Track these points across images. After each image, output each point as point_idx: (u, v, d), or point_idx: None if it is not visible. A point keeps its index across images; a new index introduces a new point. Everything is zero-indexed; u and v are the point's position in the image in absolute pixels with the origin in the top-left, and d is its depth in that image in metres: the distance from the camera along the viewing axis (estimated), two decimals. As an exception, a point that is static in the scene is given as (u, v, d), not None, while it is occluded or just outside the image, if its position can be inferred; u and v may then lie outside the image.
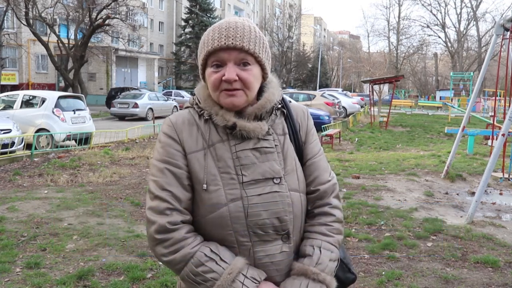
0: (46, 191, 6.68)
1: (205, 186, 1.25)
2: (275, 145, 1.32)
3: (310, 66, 60.37)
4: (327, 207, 1.36)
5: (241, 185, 1.25)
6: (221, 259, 1.21)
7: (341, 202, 1.47)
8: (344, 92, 37.94)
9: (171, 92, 31.08)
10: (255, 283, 1.21)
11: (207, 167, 1.26)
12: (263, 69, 1.31)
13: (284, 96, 1.44)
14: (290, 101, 1.48)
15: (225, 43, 1.24)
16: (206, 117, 1.31)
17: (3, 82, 24.22)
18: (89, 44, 23.37)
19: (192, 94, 1.40)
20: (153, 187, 1.26)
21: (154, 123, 14.83)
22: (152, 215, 1.24)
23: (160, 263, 3.84)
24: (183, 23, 44.30)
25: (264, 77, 1.34)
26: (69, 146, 10.71)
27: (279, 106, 1.37)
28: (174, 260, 1.22)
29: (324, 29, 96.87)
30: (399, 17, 55.28)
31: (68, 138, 11.09)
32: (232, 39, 1.24)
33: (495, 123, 8.97)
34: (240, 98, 1.27)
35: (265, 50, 1.31)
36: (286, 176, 1.30)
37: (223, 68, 1.26)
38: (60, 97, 11.66)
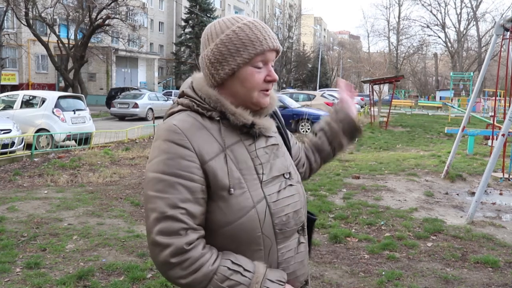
0: (46, 191, 6.68)
1: (232, 190, 1.19)
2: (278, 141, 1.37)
3: (310, 66, 60.34)
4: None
5: (262, 184, 1.24)
6: (244, 269, 1.17)
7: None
8: (344, 92, 37.81)
9: (171, 92, 31.08)
10: (282, 284, 1.20)
11: (230, 171, 1.20)
12: None
13: None
14: None
15: (273, 45, 1.25)
16: (217, 118, 1.24)
17: (3, 82, 24.21)
18: (89, 44, 23.34)
19: (182, 95, 1.31)
20: (162, 205, 1.14)
21: (154, 123, 14.82)
22: (164, 238, 1.13)
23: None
24: (183, 23, 44.27)
25: None
26: (69, 146, 10.70)
27: None
28: (195, 280, 1.14)
29: (324, 29, 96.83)
30: (399, 17, 55.35)
31: (68, 138, 11.09)
32: (276, 41, 1.26)
33: (495, 123, 8.97)
34: (270, 98, 1.31)
35: None
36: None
37: (262, 68, 1.26)
38: (60, 97, 11.66)
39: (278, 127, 1.42)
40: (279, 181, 1.28)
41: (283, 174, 1.30)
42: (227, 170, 1.19)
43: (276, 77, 1.27)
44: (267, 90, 1.27)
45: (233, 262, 1.17)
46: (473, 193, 6.47)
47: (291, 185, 1.30)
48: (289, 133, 1.52)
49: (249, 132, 1.26)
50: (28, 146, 9.72)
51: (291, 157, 1.43)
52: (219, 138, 1.22)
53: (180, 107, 1.28)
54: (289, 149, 1.44)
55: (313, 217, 1.49)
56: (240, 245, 1.21)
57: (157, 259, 1.15)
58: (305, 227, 1.34)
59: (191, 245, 1.14)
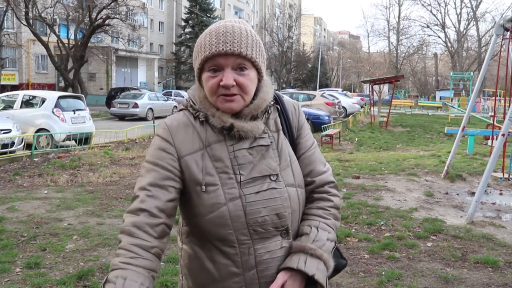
0: (46, 191, 6.68)
1: (204, 187, 1.25)
2: (271, 142, 1.33)
3: (310, 66, 60.36)
4: (325, 194, 1.40)
5: (239, 184, 1.26)
6: (106, 281, 1.12)
7: (339, 191, 1.48)
8: (344, 92, 37.93)
9: (171, 92, 31.09)
10: None
11: (205, 168, 1.26)
12: (259, 72, 1.32)
13: (277, 92, 1.46)
14: (283, 96, 1.49)
15: (223, 49, 1.23)
16: (202, 119, 1.30)
17: (3, 82, 24.21)
18: (89, 44, 23.34)
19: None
20: (136, 186, 1.28)
21: (154, 123, 14.83)
22: (126, 214, 1.24)
23: (161, 263, 3.85)
24: (183, 23, 44.32)
25: (260, 79, 1.35)
26: (69, 146, 10.71)
27: (272, 103, 1.39)
28: (113, 258, 1.17)
29: (324, 29, 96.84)
30: (399, 17, 55.34)
31: (68, 138, 11.09)
32: (230, 45, 1.23)
33: (495, 123, 8.97)
34: (237, 103, 1.27)
35: (261, 53, 1.31)
36: (281, 172, 1.31)
37: (220, 73, 1.26)
38: (60, 97, 11.67)
39: (283, 126, 1.40)
40: (261, 183, 1.27)
41: (269, 176, 1.29)
42: (202, 167, 1.26)
43: (226, 82, 1.23)
44: (226, 96, 1.26)
45: (117, 277, 1.11)
46: (473, 193, 6.47)
47: (274, 187, 1.28)
48: (305, 137, 1.44)
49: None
50: (28, 146, 9.73)
51: (298, 161, 1.39)
52: (203, 137, 1.29)
53: (182, 106, 1.38)
54: (293, 149, 1.41)
55: (344, 262, 1.45)
56: (213, 239, 1.27)
57: None
58: (290, 232, 1.31)
59: (134, 228, 1.18)
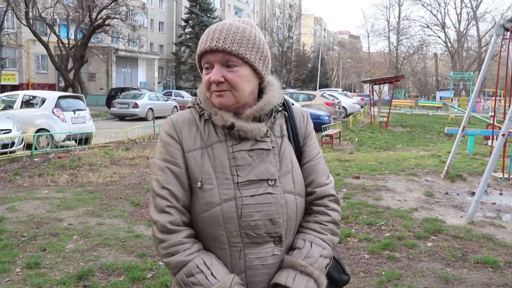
0: (46, 191, 6.68)
1: (199, 184, 1.26)
2: (272, 147, 1.32)
3: (310, 66, 60.35)
4: (323, 208, 1.37)
5: (236, 186, 1.26)
6: (211, 273, 1.21)
7: (340, 205, 1.45)
8: (344, 92, 37.91)
9: (171, 92, 31.08)
10: None
11: (203, 166, 1.27)
12: (254, 69, 1.30)
13: (287, 98, 1.44)
14: (293, 104, 1.48)
15: (209, 46, 1.27)
16: (206, 117, 1.32)
17: (3, 82, 24.21)
18: (89, 44, 23.36)
19: (194, 94, 1.42)
20: (155, 185, 1.29)
21: (154, 123, 14.83)
22: (154, 214, 1.28)
23: (160, 263, 3.85)
24: (183, 23, 44.29)
25: (262, 77, 1.34)
26: (69, 146, 10.70)
27: (280, 108, 1.38)
28: (169, 263, 1.25)
29: (324, 29, 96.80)
30: (399, 17, 55.31)
31: (68, 138, 11.09)
32: (216, 42, 1.26)
33: (495, 123, 8.96)
34: (227, 99, 1.28)
35: (256, 50, 1.29)
36: (281, 178, 1.30)
37: (212, 70, 1.29)
38: (60, 97, 11.66)
39: (289, 132, 1.39)
40: (257, 186, 1.27)
41: (267, 180, 1.28)
42: (200, 164, 1.28)
43: (213, 78, 1.26)
44: (216, 91, 1.28)
45: (204, 263, 1.22)
46: (473, 193, 6.47)
47: (270, 193, 1.27)
48: (310, 146, 1.42)
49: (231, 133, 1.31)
50: (28, 146, 9.72)
51: (302, 170, 1.38)
52: (204, 136, 1.31)
53: (190, 104, 1.41)
54: (298, 157, 1.39)
55: (346, 277, 1.44)
56: (205, 238, 1.28)
57: (152, 233, 1.30)
58: (283, 240, 1.29)
59: (175, 227, 1.25)
